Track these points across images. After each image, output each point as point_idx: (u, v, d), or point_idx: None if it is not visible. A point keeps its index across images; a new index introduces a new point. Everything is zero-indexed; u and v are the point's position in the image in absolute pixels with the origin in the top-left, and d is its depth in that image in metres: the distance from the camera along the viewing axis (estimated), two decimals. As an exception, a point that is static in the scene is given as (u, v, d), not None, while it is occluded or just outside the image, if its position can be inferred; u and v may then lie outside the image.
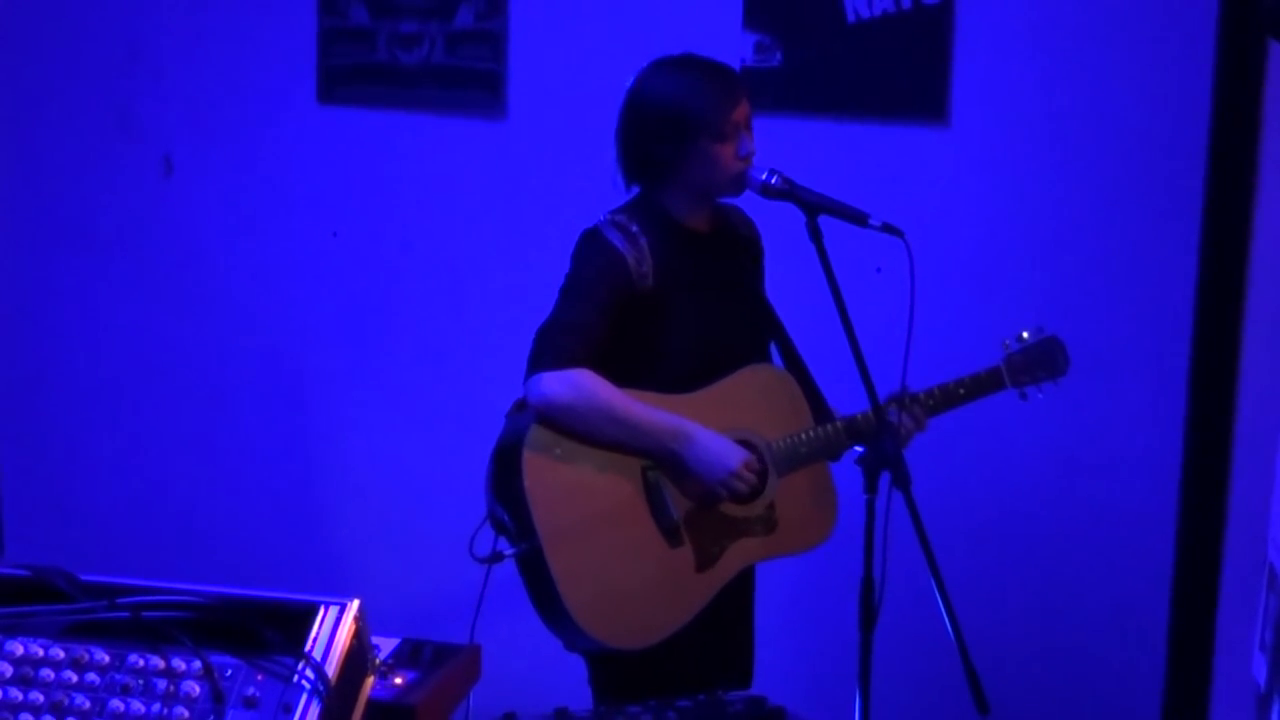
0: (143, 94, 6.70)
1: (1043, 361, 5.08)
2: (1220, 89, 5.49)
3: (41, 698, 3.43)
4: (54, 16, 6.71)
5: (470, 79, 6.42)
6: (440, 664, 4.12)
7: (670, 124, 4.78)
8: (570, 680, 4.93)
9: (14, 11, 6.74)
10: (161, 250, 6.77)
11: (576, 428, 4.69)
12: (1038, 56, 6.06)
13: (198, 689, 3.41)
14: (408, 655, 4.13)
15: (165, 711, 3.40)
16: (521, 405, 4.75)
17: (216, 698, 3.40)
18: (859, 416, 4.87)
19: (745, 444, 4.81)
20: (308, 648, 3.45)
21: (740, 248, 5.02)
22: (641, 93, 4.85)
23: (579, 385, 4.66)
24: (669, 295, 4.77)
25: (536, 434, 4.69)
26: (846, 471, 4.88)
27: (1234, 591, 5.55)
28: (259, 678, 3.43)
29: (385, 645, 4.10)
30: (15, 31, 6.75)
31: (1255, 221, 5.43)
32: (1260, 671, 3.84)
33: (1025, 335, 5.09)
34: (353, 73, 6.51)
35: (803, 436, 4.89)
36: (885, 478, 4.72)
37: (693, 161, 4.78)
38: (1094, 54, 6.02)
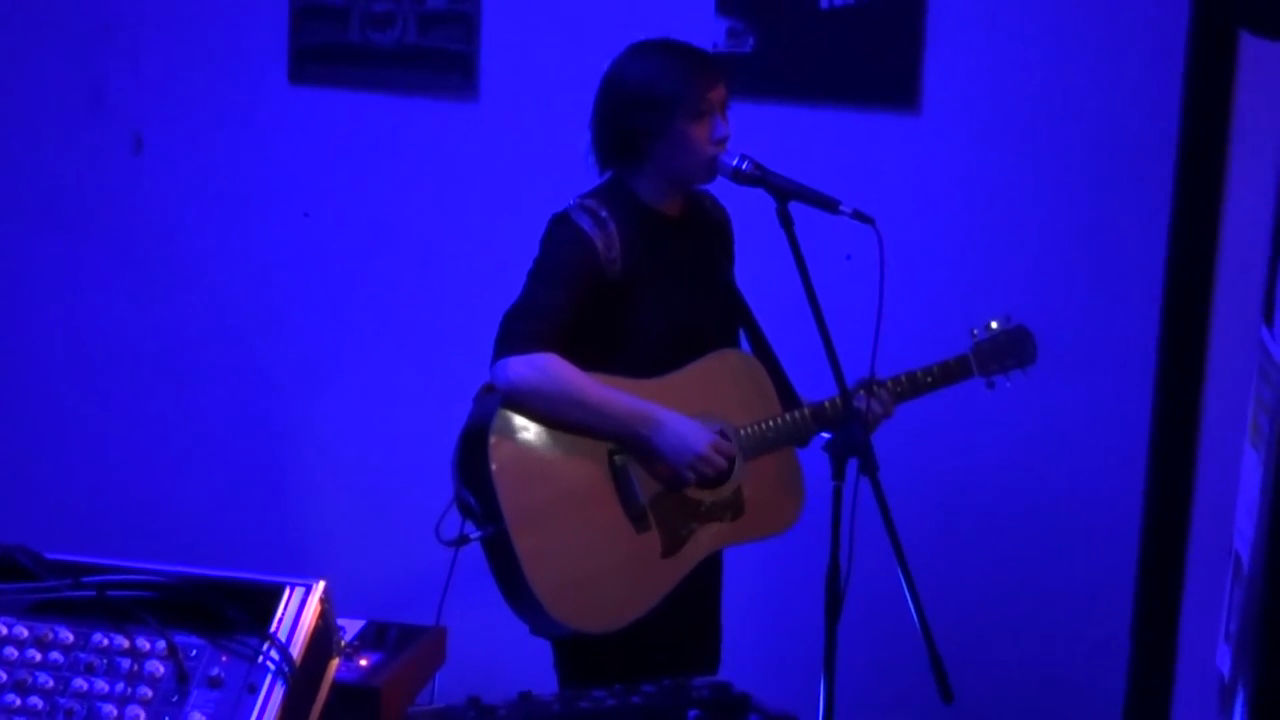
0: (114, 71, 6.69)
1: (1012, 350, 5.10)
2: (1191, 79, 5.50)
3: (4, 676, 3.43)
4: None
5: (442, 60, 6.42)
6: (405, 646, 4.13)
7: (647, 102, 4.78)
8: (536, 665, 4.93)
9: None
10: (132, 229, 6.76)
11: (543, 412, 4.70)
12: (1009, 45, 6.08)
13: (162, 669, 3.42)
14: (373, 637, 4.14)
15: (129, 691, 3.40)
16: (489, 389, 4.75)
17: (181, 677, 3.41)
18: (827, 403, 4.88)
19: (713, 428, 4.82)
20: (273, 628, 3.45)
21: (710, 232, 5.03)
22: (619, 73, 4.86)
23: (545, 369, 4.66)
24: (637, 280, 4.77)
25: (503, 418, 4.70)
26: (814, 458, 4.89)
27: (1199, 582, 5.58)
28: (224, 658, 3.43)
29: (351, 627, 4.12)
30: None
31: (1224, 211, 5.44)
32: (1225, 662, 3.85)
33: (994, 324, 5.10)
34: (324, 52, 6.51)
35: (770, 422, 4.90)
36: (853, 464, 4.74)
37: (667, 142, 4.79)
38: (1065, 43, 6.04)
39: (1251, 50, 5.29)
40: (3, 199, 6.83)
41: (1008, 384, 5.11)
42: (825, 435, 4.83)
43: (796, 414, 4.92)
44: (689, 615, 4.95)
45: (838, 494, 4.71)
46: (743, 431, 4.86)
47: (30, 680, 3.43)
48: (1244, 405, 3.91)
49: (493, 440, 4.68)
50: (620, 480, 4.78)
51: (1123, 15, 5.93)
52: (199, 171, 6.70)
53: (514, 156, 6.32)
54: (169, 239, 6.74)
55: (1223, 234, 5.46)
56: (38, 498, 6.77)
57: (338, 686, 3.64)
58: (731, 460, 4.83)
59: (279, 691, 3.38)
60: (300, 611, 3.48)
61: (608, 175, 4.90)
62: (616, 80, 4.85)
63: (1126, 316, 5.91)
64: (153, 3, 6.62)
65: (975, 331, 5.09)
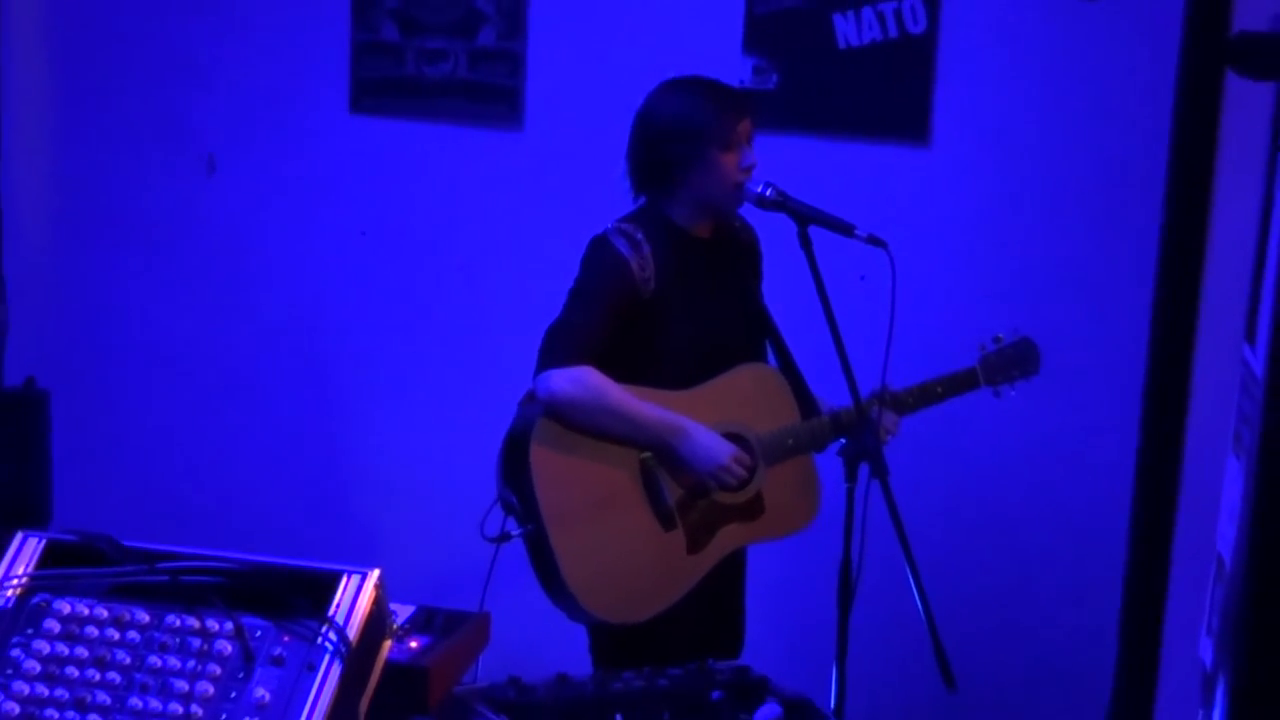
0: (189, 100, 6.71)
1: (1017, 361, 5.10)
2: (1180, 115, 5.49)
3: (86, 653, 3.45)
4: (111, 31, 6.72)
5: (490, 93, 6.43)
6: (452, 630, 4.13)
7: (680, 133, 4.79)
8: (572, 648, 4.94)
9: (78, 27, 6.75)
10: (205, 243, 6.78)
11: (580, 421, 4.70)
12: (1014, 83, 6.07)
13: (229, 648, 3.43)
14: (423, 621, 4.14)
15: (199, 668, 3.42)
16: (531, 398, 4.76)
17: (246, 656, 3.42)
18: (842, 412, 4.88)
19: (736, 437, 4.82)
20: (331, 612, 3.46)
21: (739, 253, 5.03)
22: (654, 107, 4.87)
23: (584, 382, 4.67)
24: (669, 299, 4.78)
25: (543, 426, 4.71)
26: (829, 462, 4.90)
27: (1183, 580, 5.56)
28: (286, 639, 3.44)
29: (402, 612, 4.11)
30: (79, 44, 6.76)
31: (1210, 239, 5.43)
32: (1207, 654, 3.85)
33: (1001, 338, 5.10)
34: (382, 85, 6.52)
35: (790, 430, 4.90)
36: (865, 468, 4.75)
37: (698, 169, 4.79)
38: (1063, 83, 6.03)
39: (1236, 89, 5.28)
40: (89, 216, 6.85)
41: (1012, 394, 5.11)
42: (840, 441, 4.85)
43: (814, 423, 4.92)
44: (713, 606, 4.95)
45: (850, 496, 4.73)
46: (764, 438, 4.86)
47: (109, 657, 3.44)
48: (1227, 417, 3.90)
49: (534, 446, 4.70)
50: (649, 484, 4.78)
51: (1117, 56, 5.93)
52: (266, 192, 6.71)
53: (556, 183, 6.32)
54: (239, 253, 6.75)
55: (1208, 259, 5.45)
56: (118, 491, 6.78)
57: (389, 666, 3.65)
58: (751, 469, 4.83)
59: (336, 670, 3.40)
60: (356, 597, 3.50)
61: (642, 200, 4.90)
62: (651, 113, 4.86)
63: (1119, 333, 5.89)
64: (224, 38, 6.63)
65: (983, 345, 5.09)
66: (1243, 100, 5.21)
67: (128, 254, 6.82)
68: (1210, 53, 5.41)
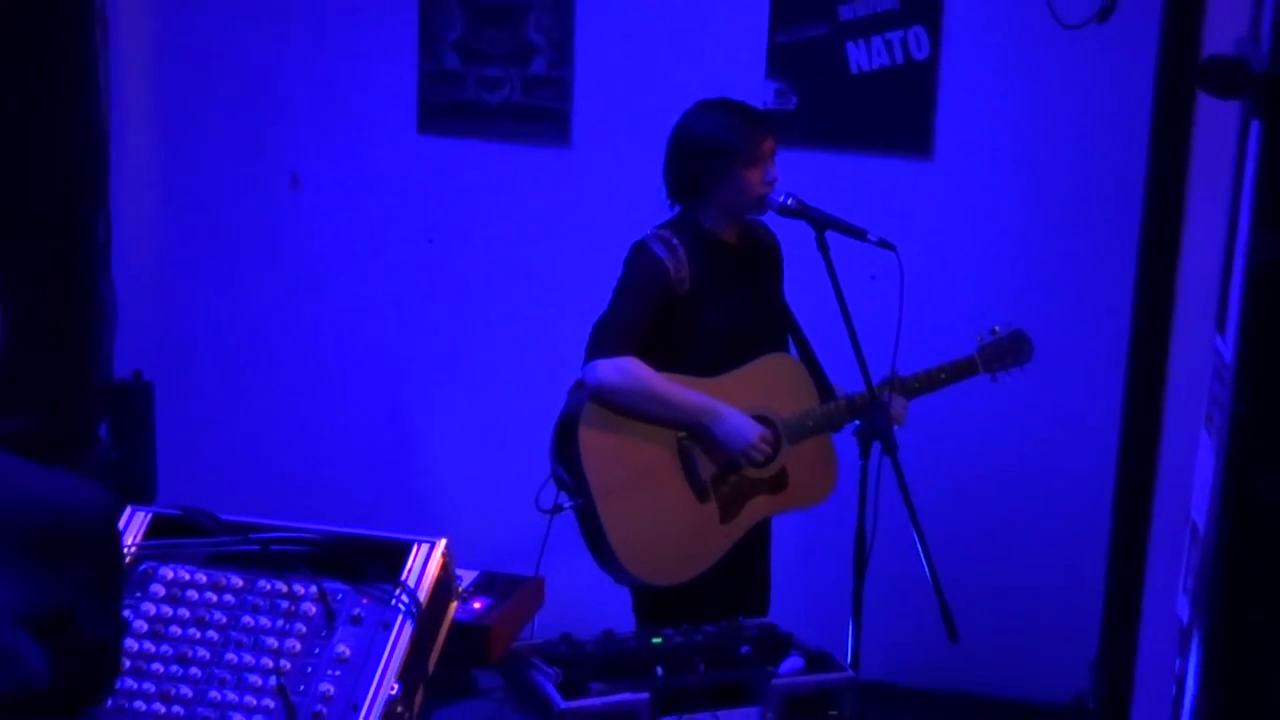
0: (275, 122, 6.71)
1: (1012, 350, 5.08)
2: (1156, 130, 5.47)
3: (187, 613, 3.46)
4: (208, 62, 6.73)
5: (541, 115, 6.43)
6: (511, 592, 4.13)
7: (710, 150, 4.78)
8: (617, 607, 4.93)
9: (180, 60, 6.76)
10: (288, 249, 6.79)
11: (624, 405, 4.70)
12: (1007, 103, 6.06)
13: (314, 609, 3.44)
14: (485, 585, 4.15)
15: (287, 626, 3.42)
16: (579, 385, 4.76)
17: (329, 616, 3.43)
18: (856, 396, 4.87)
19: (763, 419, 4.81)
20: (404, 577, 3.47)
21: (763, 255, 5.02)
22: (687, 126, 4.86)
23: (627, 370, 4.67)
24: (701, 296, 4.77)
25: (591, 410, 4.71)
26: (846, 441, 4.90)
27: (1161, 544, 5.54)
28: (364, 601, 3.45)
29: (467, 576, 4.12)
30: (180, 74, 6.77)
31: (1183, 240, 5.42)
32: (1183, 610, 3.83)
33: (997, 329, 5.09)
34: (446, 108, 6.52)
35: (810, 412, 4.89)
36: (877, 447, 4.74)
37: (726, 183, 4.79)
38: (1053, 102, 6.02)
39: (1206, 107, 5.26)
40: (189, 226, 6.86)
41: (1008, 380, 5.10)
42: (856, 423, 4.84)
43: (831, 406, 4.92)
44: (742, 570, 4.94)
45: (864, 471, 4.73)
46: (787, 420, 4.86)
47: (208, 617, 3.46)
48: (1200, 399, 3.89)
49: (582, 428, 4.70)
50: (686, 461, 4.78)
51: (1100, 78, 5.91)
52: (343, 203, 6.72)
53: (600, 194, 6.32)
54: (319, 258, 6.76)
55: (1182, 258, 5.43)
56: (215, 470, 6.79)
57: (455, 625, 3.66)
58: (776, 447, 4.82)
59: (408, 629, 3.40)
60: (426, 563, 3.50)
61: (677, 209, 4.90)
62: (685, 132, 4.85)
63: (1103, 325, 5.87)
64: (308, 68, 6.64)
65: (981, 335, 5.07)
66: (1212, 116, 5.20)
67: (222, 259, 6.84)
68: (1183, 75, 5.40)
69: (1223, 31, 5.13)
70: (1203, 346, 3.96)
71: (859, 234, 4.78)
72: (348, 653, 3.37)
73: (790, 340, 5.04)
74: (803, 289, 5.02)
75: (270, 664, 3.36)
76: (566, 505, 4.73)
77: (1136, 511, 5.69)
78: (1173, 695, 3.75)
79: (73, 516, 2.78)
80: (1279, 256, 2.51)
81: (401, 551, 3.52)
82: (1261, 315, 2.57)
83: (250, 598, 3.48)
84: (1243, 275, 2.76)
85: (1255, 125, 2.69)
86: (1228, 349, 3.28)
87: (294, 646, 3.39)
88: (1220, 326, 3.64)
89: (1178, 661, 3.78)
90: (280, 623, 3.43)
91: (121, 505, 2.85)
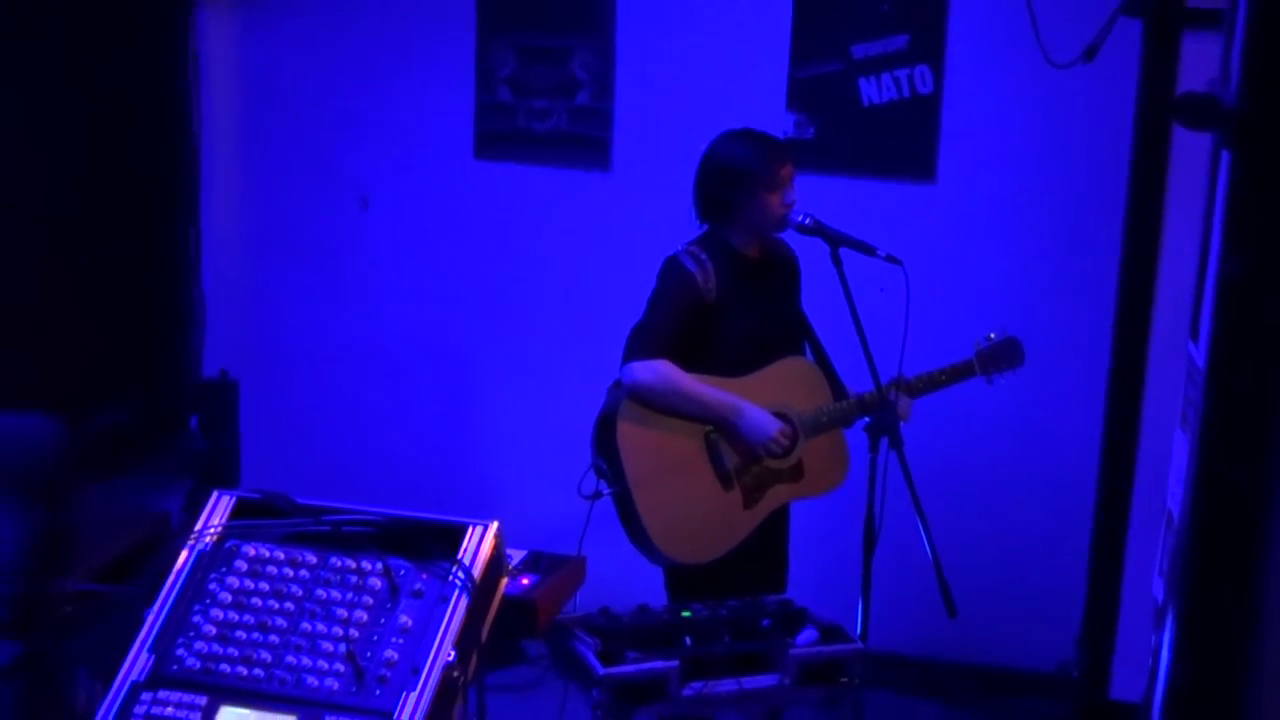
0: (347, 149, 6.73)
1: (1006, 355, 5.08)
2: (1136, 159, 5.46)
3: (267, 586, 3.47)
4: (288, 95, 6.75)
5: (585, 143, 6.43)
6: (556, 570, 4.13)
7: (735, 176, 4.78)
8: (651, 584, 4.93)
9: (263, 91, 6.78)
10: (359, 261, 6.80)
11: (657, 403, 4.70)
12: (1003, 133, 6.05)
13: (379, 583, 3.45)
14: (532, 563, 4.15)
15: (355, 599, 3.43)
16: (617, 385, 4.76)
17: (393, 590, 3.44)
18: (866, 395, 4.87)
19: (782, 415, 4.81)
20: (460, 555, 3.47)
21: (783, 269, 5.02)
22: (714, 153, 4.86)
23: (660, 372, 4.67)
24: (727, 305, 4.77)
25: (627, 407, 4.71)
26: (857, 436, 4.89)
27: (1140, 530, 5.53)
28: (424, 576, 3.45)
29: (516, 555, 4.13)
30: (263, 105, 6.79)
31: (1161, 253, 5.41)
32: (1159, 590, 3.81)
33: (992, 336, 5.08)
34: (499, 136, 6.53)
35: (824, 410, 4.89)
36: (885, 441, 4.74)
37: (749, 205, 4.79)
38: (1044, 132, 6.01)
39: (1181, 138, 5.25)
40: (270, 240, 6.87)
41: (1002, 381, 5.10)
42: (865, 419, 4.84)
43: (843, 404, 4.91)
44: (763, 550, 4.94)
45: (873, 463, 4.73)
46: (803, 416, 4.85)
47: (285, 589, 3.47)
48: (1175, 399, 3.87)
49: (620, 423, 4.70)
50: (713, 453, 4.78)
51: (1085, 112, 5.90)
52: (407, 222, 6.73)
53: (636, 213, 6.32)
54: (385, 270, 6.77)
55: (1160, 269, 5.42)
56: (292, 457, 6.81)
57: (505, 599, 3.66)
58: (793, 440, 4.82)
59: (463, 602, 3.41)
60: (480, 543, 3.51)
61: (706, 227, 4.90)
62: (712, 159, 4.85)
63: (1087, 332, 5.86)
64: (377, 102, 6.65)
65: (978, 341, 5.07)
66: (1186, 146, 5.18)
67: (299, 271, 6.85)
68: (1160, 109, 5.39)
69: (1196, 71, 5.13)
70: (1178, 353, 3.94)
71: (869, 250, 4.77)
72: (410, 623, 3.38)
73: (807, 345, 5.03)
74: (818, 299, 5.02)
75: (340, 632, 3.37)
76: (605, 492, 4.73)
77: (1117, 501, 5.68)
78: (1149, 666, 3.74)
79: (28, 449, 2.78)
80: (1245, 274, 2.51)
81: (458, 533, 3.52)
82: (1230, 326, 2.57)
83: (323, 573, 3.49)
84: (1214, 289, 2.75)
85: (1225, 156, 2.68)
86: (1200, 355, 3.27)
87: (362, 617, 3.40)
88: (1194, 334, 3.62)
89: (1153, 636, 3.76)
90: (350, 595, 3.44)
91: (58, 425, 2.82)
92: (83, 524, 4.59)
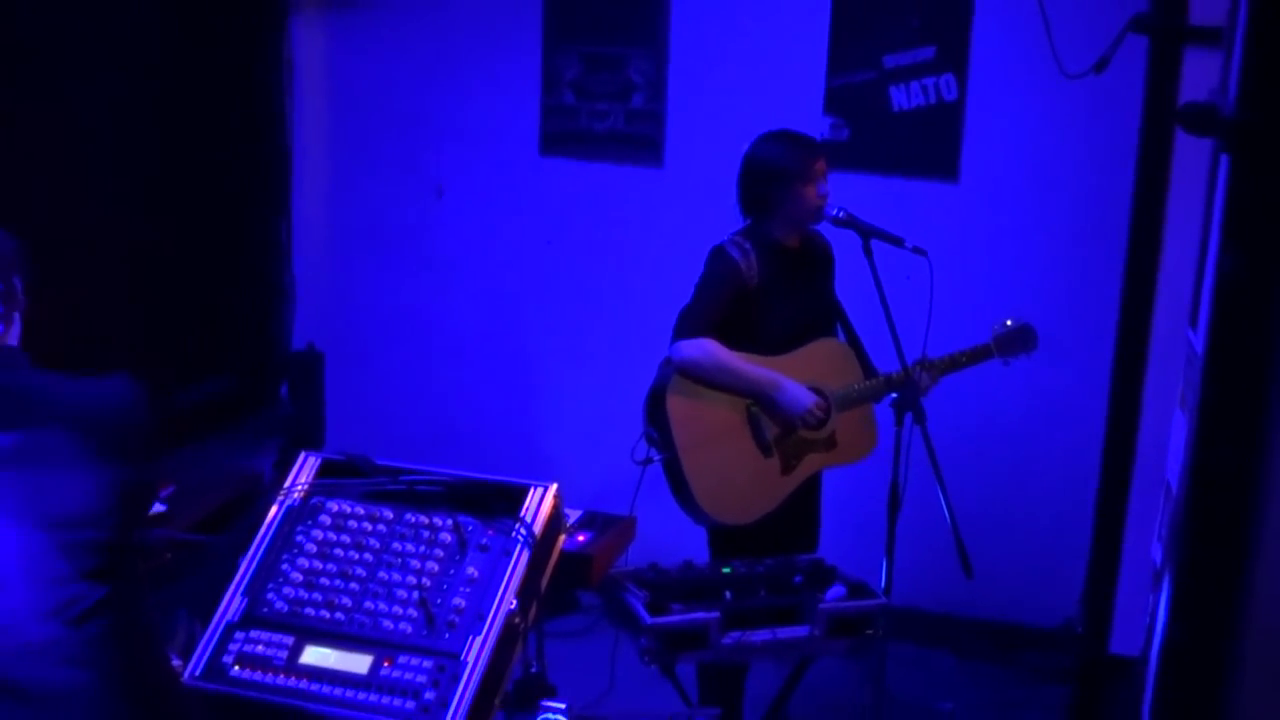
0: (425, 145, 6.74)
1: (1021, 340, 5.05)
2: (1142, 161, 5.42)
3: (348, 539, 3.49)
4: (368, 95, 6.76)
5: (640, 142, 6.43)
6: (609, 528, 4.14)
7: (774, 173, 4.77)
8: (695, 542, 4.93)
9: (350, 93, 6.80)
10: (434, 247, 6.81)
11: (703, 378, 4.70)
12: (1021, 137, 6.02)
13: (449, 538, 3.46)
14: (588, 521, 4.16)
15: (428, 551, 3.45)
16: (667, 361, 4.75)
17: (461, 545, 3.45)
18: (893, 374, 4.85)
19: (817, 390, 4.80)
20: (523, 514, 3.48)
21: (818, 258, 5.00)
22: (755, 152, 4.84)
23: (706, 349, 4.67)
24: (767, 290, 4.76)
25: (677, 382, 4.70)
26: (884, 411, 4.88)
27: (1140, 499, 5.50)
28: (490, 533, 3.46)
29: (573, 514, 4.13)
30: (349, 105, 6.81)
31: (1163, 248, 5.37)
32: (1156, 554, 3.80)
33: (1009, 322, 5.05)
34: (562, 135, 6.53)
35: (855, 387, 4.88)
36: (909, 416, 4.73)
37: (787, 199, 4.77)
38: (1058, 136, 5.97)
39: (1183, 143, 5.21)
40: (354, 226, 6.89)
41: (1017, 363, 5.07)
42: (892, 395, 4.83)
43: (872, 382, 4.90)
44: (797, 513, 4.93)
45: (898, 436, 4.71)
46: (836, 392, 4.84)
47: (364, 542, 3.48)
48: (1175, 382, 3.85)
49: (669, 396, 4.70)
50: (753, 424, 4.77)
51: (1096, 118, 5.86)
52: (479, 211, 6.73)
53: (686, 206, 6.31)
54: (458, 254, 6.78)
55: (1162, 263, 5.38)
56: (372, 423, 6.84)
57: (563, 554, 3.66)
58: (827, 413, 4.81)
59: (525, 556, 3.42)
60: (541, 503, 3.51)
61: (749, 220, 4.89)
62: (751, 159, 4.84)
63: (1095, 319, 5.83)
64: (453, 102, 6.66)
65: (995, 327, 5.04)
66: (1188, 150, 5.15)
67: (380, 254, 6.87)
68: (1164, 116, 5.34)
69: (1196, 83, 5.09)
70: (1178, 339, 3.92)
71: (898, 242, 4.75)
72: (476, 574, 3.39)
73: (839, 327, 5.02)
74: (851, 286, 5.00)
75: (414, 581, 3.39)
76: (656, 459, 4.73)
77: (1119, 473, 5.65)
78: (1146, 623, 3.72)
79: (113, 409, 2.79)
80: (1241, 267, 2.50)
81: (521, 493, 3.53)
82: (1226, 315, 2.56)
83: (399, 528, 3.50)
84: (1212, 281, 2.74)
85: (1224, 159, 2.67)
86: (1199, 341, 3.25)
87: (433, 568, 3.42)
88: (1193, 322, 3.60)
89: (1151, 596, 3.75)
90: (422, 548, 3.46)
91: (141, 386, 2.84)
92: (185, 481, 4.63)
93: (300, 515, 3.56)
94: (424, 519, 3.50)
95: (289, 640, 3.34)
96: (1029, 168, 6.02)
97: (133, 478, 2.77)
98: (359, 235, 6.89)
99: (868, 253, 4.74)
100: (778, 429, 4.79)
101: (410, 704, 3.20)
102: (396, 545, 3.46)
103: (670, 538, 4.92)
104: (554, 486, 3.55)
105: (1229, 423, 2.56)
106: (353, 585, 3.41)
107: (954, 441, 5.35)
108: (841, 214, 4.77)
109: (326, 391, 6.83)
